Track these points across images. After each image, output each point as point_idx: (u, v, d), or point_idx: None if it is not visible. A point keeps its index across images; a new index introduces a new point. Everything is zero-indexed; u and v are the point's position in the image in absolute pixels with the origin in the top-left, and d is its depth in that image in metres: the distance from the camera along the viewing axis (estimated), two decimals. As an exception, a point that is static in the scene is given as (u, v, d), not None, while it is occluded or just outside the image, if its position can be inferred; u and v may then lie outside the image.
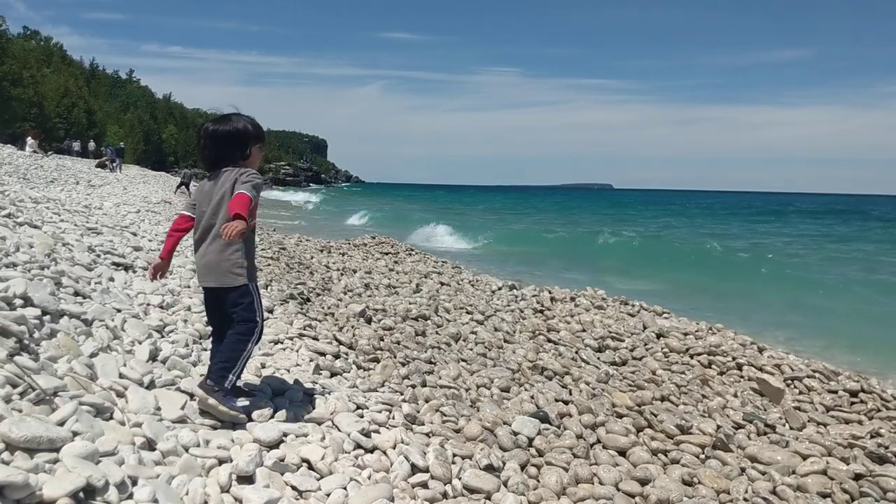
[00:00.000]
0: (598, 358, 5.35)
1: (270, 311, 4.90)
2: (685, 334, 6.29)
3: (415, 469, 2.73)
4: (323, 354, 4.08)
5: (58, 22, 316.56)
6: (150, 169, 53.27)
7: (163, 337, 3.63)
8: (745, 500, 3.10)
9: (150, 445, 2.37)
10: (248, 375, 3.44)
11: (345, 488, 2.45)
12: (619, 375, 4.91)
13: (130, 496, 2.00)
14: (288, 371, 3.65)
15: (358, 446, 2.82)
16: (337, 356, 4.15)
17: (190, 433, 2.50)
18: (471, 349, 5.12)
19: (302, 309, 5.27)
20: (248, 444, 2.55)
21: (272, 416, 2.88)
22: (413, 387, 3.87)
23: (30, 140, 28.92)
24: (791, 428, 4.29)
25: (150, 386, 2.89)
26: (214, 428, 2.68)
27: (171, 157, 77.58)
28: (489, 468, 2.90)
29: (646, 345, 5.85)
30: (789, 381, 5.17)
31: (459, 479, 2.76)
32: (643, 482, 3.10)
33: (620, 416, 3.96)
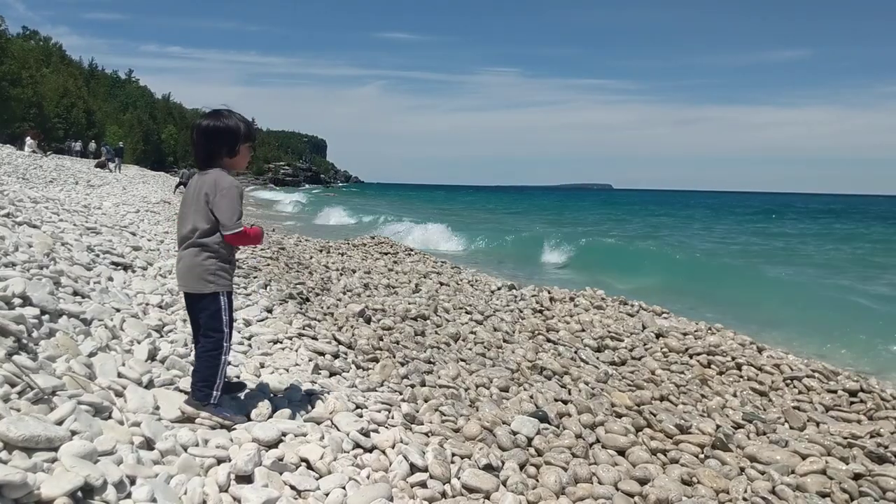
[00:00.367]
0: (598, 358, 5.35)
1: (269, 311, 4.90)
2: (684, 334, 6.29)
3: (414, 468, 2.73)
4: (322, 354, 4.08)
5: (57, 22, 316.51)
6: (150, 169, 53.30)
7: (162, 336, 3.63)
8: (745, 499, 3.10)
9: (148, 445, 2.37)
10: (248, 375, 3.44)
11: (344, 488, 2.45)
12: (618, 375, 4.91)
13: (129, 495, 2.00)
14: (287, 371, 3.65)
15: (357, 446, 2.82)
16: (336, 356, 4.15)
17: (188, 433, 2.50)
18: (470, 349, 5.12)
19: (301, 309, 5.27)
20: (247, 444, 2.55)
21: (271, 416, 2.88)
22: (412, 386, 3.87)
23: (29, 140, 28.94)
24: (791, 427, 4.29)
25: (149, 385, 2.89)
26: (213, 428, 2.68)
27: (171, 158, 77.62)
28: (488, 468, 2.90)
29: (645, 345, 5.85)
30: (788, 381, 5.17)
31: (458, 478, 2.76)
32: (642, 482, 3.10)
33: (619, 415, 3.96)
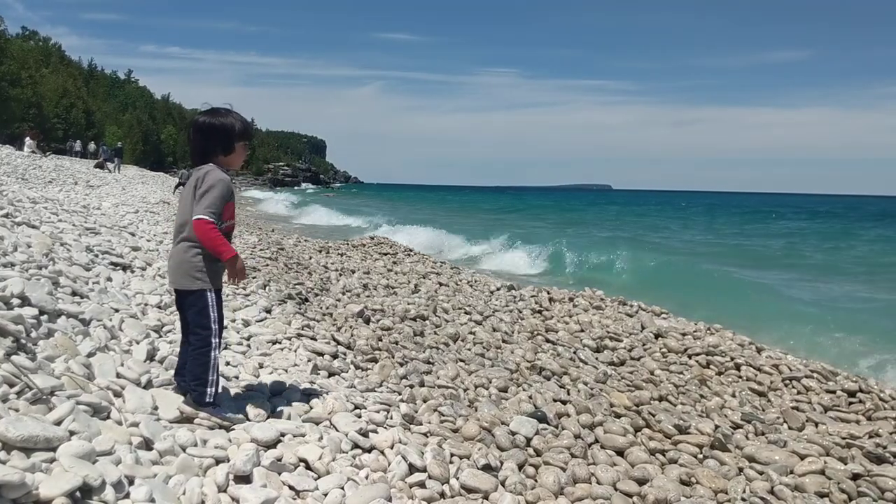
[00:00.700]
0: (597, 358, 5.35)
1: (268, 311, 4.90)
2: (683, 334, 6.29)
3: (412, 469, 2.73)
4: (321, 354, 4.08)
5: (56, 22, 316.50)
6: (149, 169, 53.24)
7: (160, 337, 3.63)
8: (743, 499, 3.10)
9: (147, 445, 2.37)
10: (246, 375, 3.44)
11: (342, 488, 2.45)
12: (617, 375, 4.91)
13: (127, 496, 2.00)
14: (286, 371, 3.66)
15: (355, 446, 2.82)
16: (335, 356, 4.15)
17: (187, 433, 2.50)
18: (469, 349, 5.12)
19: (300, 309, 5.27)
20: (246, 444, 2.55)
21: (269, 416, 2.88)
22: (411, 387, 3.87)
23: (28, 140, 28.92)
24: (789, 428, 4.29)
25: (148, 386, 2.89)
26: (211, 428, 2.68)
27: (170, 158, 77.53)
28: (487, 468, 2.90)
29: (644, 345, 5.85)
30: (787, 381, 5.17)
31: (457, 478, 2.76)
32: (641, 482, 3.10)
33: (618, 416, 3.96)
